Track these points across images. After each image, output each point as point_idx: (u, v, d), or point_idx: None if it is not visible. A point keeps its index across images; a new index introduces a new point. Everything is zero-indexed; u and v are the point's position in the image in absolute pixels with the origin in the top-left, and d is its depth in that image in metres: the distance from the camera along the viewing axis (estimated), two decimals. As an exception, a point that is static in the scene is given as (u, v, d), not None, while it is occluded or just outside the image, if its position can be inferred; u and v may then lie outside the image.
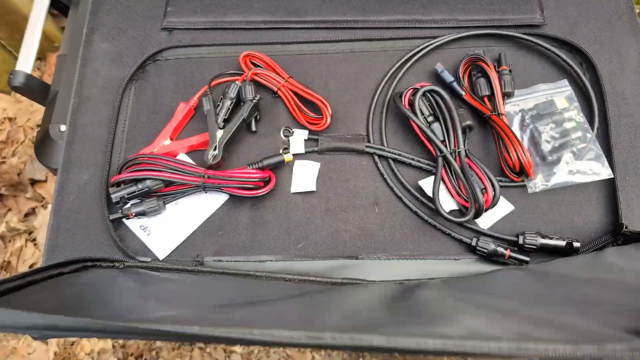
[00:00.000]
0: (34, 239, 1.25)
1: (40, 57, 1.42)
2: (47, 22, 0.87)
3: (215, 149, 0.67)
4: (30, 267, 1.22)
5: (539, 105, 0.70)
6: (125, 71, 0.75)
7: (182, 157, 0.70)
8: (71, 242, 0.66)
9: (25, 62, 0.84)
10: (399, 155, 0.68)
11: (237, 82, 0.71)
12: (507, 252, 0.63)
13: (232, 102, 0.70)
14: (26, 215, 1.26)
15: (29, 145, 1.33)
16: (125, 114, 0.73)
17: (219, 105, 0.70)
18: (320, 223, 0.66)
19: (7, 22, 1.28)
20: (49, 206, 1.26)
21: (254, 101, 0.69)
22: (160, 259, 0.65)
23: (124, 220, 0.67)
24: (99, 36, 0.78)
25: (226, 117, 0.70)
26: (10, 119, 1.37)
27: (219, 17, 0.77)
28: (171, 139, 0.71)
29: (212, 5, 0.78)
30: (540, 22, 0.75)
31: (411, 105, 0.68)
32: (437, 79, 0.73)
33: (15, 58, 0.83)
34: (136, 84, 0.75)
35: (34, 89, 0.84)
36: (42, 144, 0.79)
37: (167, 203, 0.67)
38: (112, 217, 0.66)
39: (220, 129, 0.68)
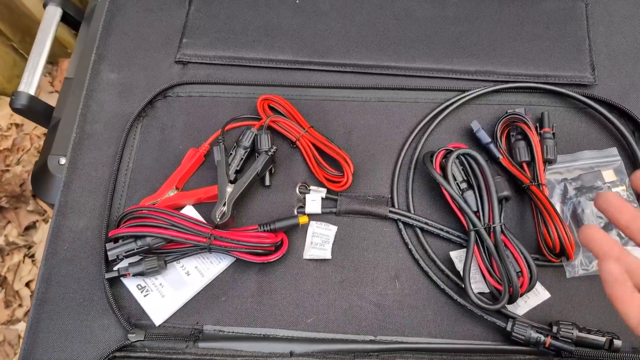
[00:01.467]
0: (33, 255, 1.20)
1: (52, 61, 1.37)
2: (59, 29, 0.82)
3: (224, 206, 0.61)
4: (27, 284, 1.18)
5: (584, 177, 0.63)
6: (132, 106, 0.69)
7: (189, 210, 0.64)
8: (62, 297, 0.61)
9: (29, 83, 0.79)
10: (427, 224, 0.62)
11: (253, 129, 0.65)
12: (548, 340, 0.56)
13: (245, 152, 0.64)
14: (26, 229, 1.21)
15: (34, 154, 1.28)
16: (130, 155, 0.67)
17: (231, 154, 0.64)
18: (333, 296, 0.60)
19: (19, 25, 1.23)
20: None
21: (270, 153, 0.63)
22: (157, 324, 0.59)
23: (120, 278, 0.61)
24: (107, 65, 0.72)
25: (238, 168, 0.64)
26: (17, 125, 1.32)
27: (237, 52, 0.71)
28: (177, 188, 0.65)
29: (231, 40, 0.72)
30: (591, 82, 0.68)
31: (443, 169, 0.61)
32: (472, 137, 0.66)
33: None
34: (143, 121, 0.69)
35: (37, 112, 0.79)
36: (40, 176, 0.74)
37: (169, 262, 0.61)
38: (107, 275, 0.60)
39: (232, 182, 0.62)
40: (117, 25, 0.75)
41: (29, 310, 1.18)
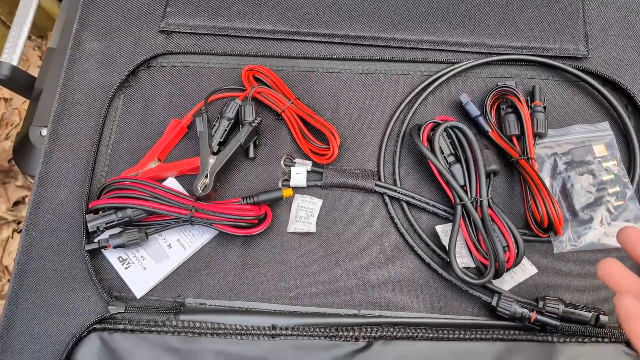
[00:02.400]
0: (21, 230, 1.18)
1: (42, 35, 1.34)
2: (48, 2, 0.79)
3: (206, 177, 0.59)
4: (16, 259, 1.17)
5: (575, 151, 0.62)
6: (115, 76, 0.68)
7: (171, 181, 0.63)
8: (42, 269, 0.60)
9: (12, 53, 0.77)
10: (413, 197, 0.61)
11: (237, 100, 0.64)
12: (533, 315, 0.55)
13: (229, 123, 0.63)
14: (15, 204, 1.20)
15: (22, 129, 1.27)
16: (112, 126, 0.66)
17: (214, 125, 0.63)
18: (317, 270, 0.59)
19: (6, -2, 1.21)
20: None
21: (254, 125, 0.62)
22: (138, 297, 0.58)
23: (101, 250, 0.60)
24: (89, 34, 0.70)
25: (222, 139, 0.62)
26: (5, 100, 1.30)
27: (223, 22, 0.69)
28: (159, 160, 0.63)
29: (216, 9, 0.70)
30: (584, 54, 0.66)
31: (430, 142, 0.60)
32: (461, 111, 0.65)
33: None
34: (126, 92, 0.68)
35: (19, 83, 0.78)
36: (21, 148, 0.72)
37: (150, 235, 0.60)
38: (88, 247, 0.59)
39: (214, 154, 0.61)
40: (100, -7, 0.73)
41: (18, 286, 1.17)
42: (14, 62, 0.76)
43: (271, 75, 0.65)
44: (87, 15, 0.71)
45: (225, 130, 0.63)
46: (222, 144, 0.63)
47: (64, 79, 0.68)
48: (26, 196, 1.21)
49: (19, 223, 1.20)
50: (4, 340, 0.57)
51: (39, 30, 1.34)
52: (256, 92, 0.64)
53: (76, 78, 0.68)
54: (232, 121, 0.63)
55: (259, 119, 0.62)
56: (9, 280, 1.17)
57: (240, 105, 0.63)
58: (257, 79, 0.66)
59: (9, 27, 1.28)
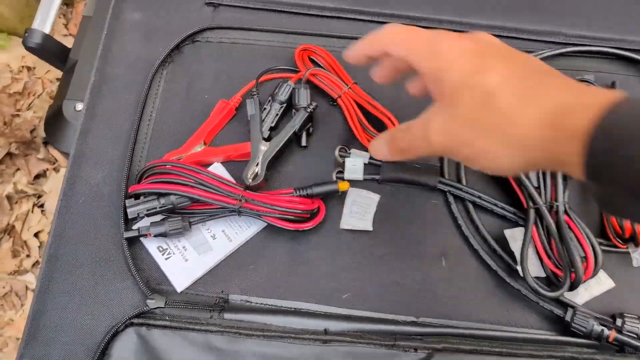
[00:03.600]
0: (42, 205, 1.15)
1: (67, 2, 1.29)
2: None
3: (257, 165, 0.55)
4: (35, 235, 1.13)
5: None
6: (157, 50, 0.63)
7: (217, 167, 0.58)
8: (75, 255, 0.55)
9: (44, 21, 0.72)
10: (480, 198, 0.56)
11: (290, 82, 0.59)
12: (612, 334, 0.50)
13: (282, 107, 0.58)
14: (36, 177, 1.16)
15: (46, 99, 1.22)
16: (153, 104, 0.61)
17: (265, 109, 0.58)
18: (373, 271, 0.55)
19: (33, -39, 1.15)
20: (62, 170, 1.16)
21: (309, 110, 0.57)
22: (179, 290, 0.54)
23: (140, 238, 0.55)
24: (131, 3, 0.65)
25: (273, 124, 0.58)
26: (28, 69, 1.25)
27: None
28: (205, 143, 0.59)
29: (269, -19, 0.65)
30: (672, 49, 0.60)
31: (502, 138, 0.55)
32: (533, 105, 0.59)
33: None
34: (169, 67, 0.63)
35: (51, 52, 0.73)
36: (54, 122, 0.68)
37: (193, 224, 0.55)
38: (126, 234, 0.54)
39: (265, 140, 0.56)
40: (143, -41, 0.67)
41: (37, 262, 1.14)
42: (46, 30, 0.72)
43: (327, 56, 0.60)
44: (128, -18, 0.66)
45: (277, 114, 0.58)
46: (273, 129, 0.58)
47: (102, 51, 0.63)
48: (47, 169, 1.17)
49: (39, 197, 1.16)
50: (33, 329, 0.53)
51: (65, -3, 1.29)
52: (311, 75, 0.59)
53: (115, 50, 0.63)
54: (285, 105, 0.58)
55: (314, 104, 0.57)
56: (27, 256, 1.14)
57: (294, 88, 0.58)
58: (312, 60, 0.61)
59: (35, -8, 1.24)
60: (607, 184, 0.31)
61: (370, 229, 0.56)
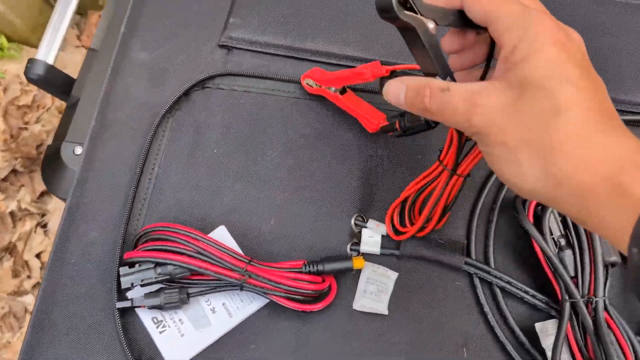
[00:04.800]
0: (45, 225, 1.11)
1: (81, 12, 1.25)
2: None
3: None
4: (37, 255, 1.10)
5: None
6: (164, 95, 0.58)
7: (221, 232, 0.53)
8: (64, 321, 0.51)
9: (48, 50, 0.68)
10: (509, 283, 0.50)
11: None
12: None
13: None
14: (40, 195, 1.13)
15: (54, 114, 1.18)
16: (156, 158, 0.56)
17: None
18: (387, 360, 0.50)
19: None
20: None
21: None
22: (172, 370, 0.50)
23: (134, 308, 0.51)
24: (138, 42, 0.61)
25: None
26: (39, 80, 1.21)
27: (295, 41, 0.59)
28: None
29: (289, 24, 0.59)
30: None
31: (538, 219, 0.49)
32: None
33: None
34: (175, 114, 0.58)
35: (55, 85, 0.68)
36: (51, 164, 0.63)
37: (192, 296, 0.51)
38: (119, 305, 0.50)
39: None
40: (155, -6, 0.63)
41: (37, 283, 1.10)
42: (50, 61, 0.67)
43: None
44: (137, 18, 0.61)
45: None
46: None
47: (105, 91, 0.59)
48: (53, 187, 1.14)
49: (43, 216, 1.12)
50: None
51: (79, 7, 1.25)
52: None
53: (119, 92, 0.59)
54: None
55: None
56: (28, 277, 1.10)
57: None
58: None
59: (47, 0, 1.20)
60: None
61: (386, 312, 0.50)
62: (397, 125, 0.47)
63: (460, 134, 0.42)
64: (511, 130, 0.33)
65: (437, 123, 0.42)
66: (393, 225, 0.50)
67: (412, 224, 0.49)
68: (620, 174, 0.29)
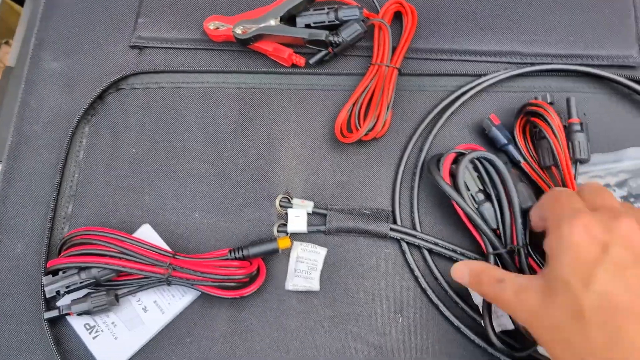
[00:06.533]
0: None
1: (7, 41, 1.23)
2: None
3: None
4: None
5: (632, 182, 0.51)
6: (78, 102, 0.57)
7: (146, 230, 0.52)
8: (-6, 339, 0.50)
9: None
10: (436, 244, 0.50)
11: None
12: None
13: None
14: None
15: None
16: (75, 163, 0.55)
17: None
18: (323, 335, 0.49)
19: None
20: None
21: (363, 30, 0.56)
22: (108, 374, 0.49)
23: (65, 317, 0.50)
24: (49, 52, 0.60)
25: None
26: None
27: (204, 34, 0.58)
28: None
29: (196, 19, 0.59)
30: (637, 62, 0.55)
31: (453, 176, 0.50)
32: (488, 135, 0.54)
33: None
34: (92, 120, 0.57)
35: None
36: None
37: (121, 297, 0.50)
38: (47, 315, 0.49)
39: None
40: (62, 3, 0.62)
41: None
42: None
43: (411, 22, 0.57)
44: (45, 29, 0.61)
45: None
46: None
47: (20, 106, 0.58)
48: None
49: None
50: None
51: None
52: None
53: (34, 105, 0.58)
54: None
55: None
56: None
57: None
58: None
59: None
60: None
61: (318, 288, 0.50)
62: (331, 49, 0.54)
63: None
64: (541, 331, 0.37)
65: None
66: (342, 133, 0.52)
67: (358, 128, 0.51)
68: None
